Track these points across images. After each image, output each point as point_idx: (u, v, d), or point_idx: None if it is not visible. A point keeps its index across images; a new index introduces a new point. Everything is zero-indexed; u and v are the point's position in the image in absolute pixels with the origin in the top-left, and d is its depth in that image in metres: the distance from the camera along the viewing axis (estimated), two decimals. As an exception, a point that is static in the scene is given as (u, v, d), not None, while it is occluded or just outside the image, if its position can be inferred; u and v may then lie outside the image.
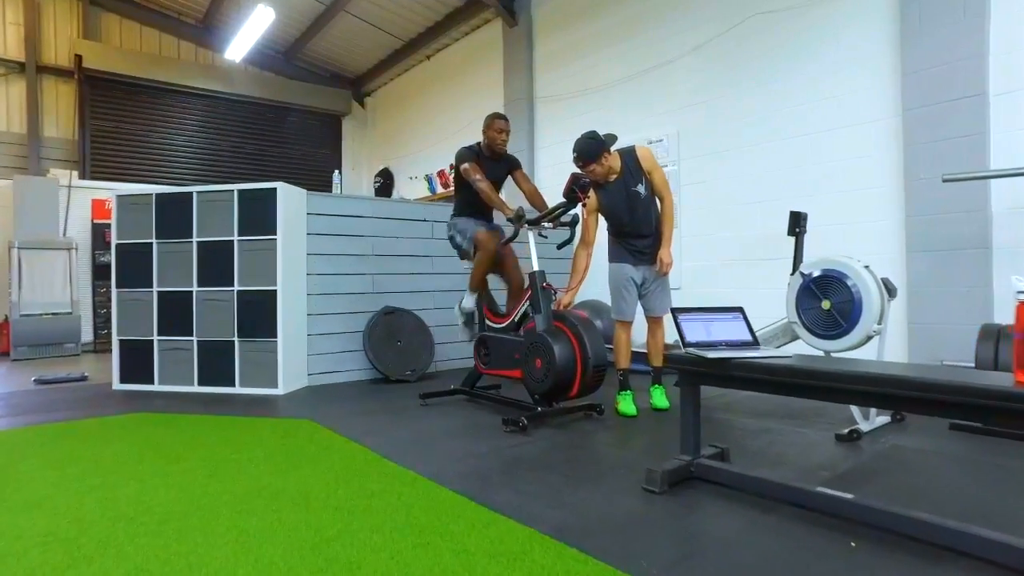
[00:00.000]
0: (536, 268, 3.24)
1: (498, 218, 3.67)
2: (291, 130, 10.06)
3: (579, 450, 2.61)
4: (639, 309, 3.43)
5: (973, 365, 3.16)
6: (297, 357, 4.29)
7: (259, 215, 4.13)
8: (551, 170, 6.51)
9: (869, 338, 2.70)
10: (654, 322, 3.41)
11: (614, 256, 3.44)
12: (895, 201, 3.85)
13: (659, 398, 3.40)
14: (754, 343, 2.20)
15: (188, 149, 9.20)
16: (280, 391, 4.07)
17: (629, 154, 3.33)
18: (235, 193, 4.17)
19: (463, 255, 3.72)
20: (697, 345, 2.14)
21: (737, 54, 4.74)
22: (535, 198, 3.60)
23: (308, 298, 4.41)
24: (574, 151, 3.24)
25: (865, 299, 2.68)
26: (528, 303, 3.29)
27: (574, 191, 3.03)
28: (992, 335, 2.97)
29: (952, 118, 3.58)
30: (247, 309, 4.14)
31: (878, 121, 3.93)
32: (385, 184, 9.71)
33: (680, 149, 5.23)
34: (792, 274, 3.13)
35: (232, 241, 4.16)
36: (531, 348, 3.13)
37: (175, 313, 4.23)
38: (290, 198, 4.22)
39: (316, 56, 9.51)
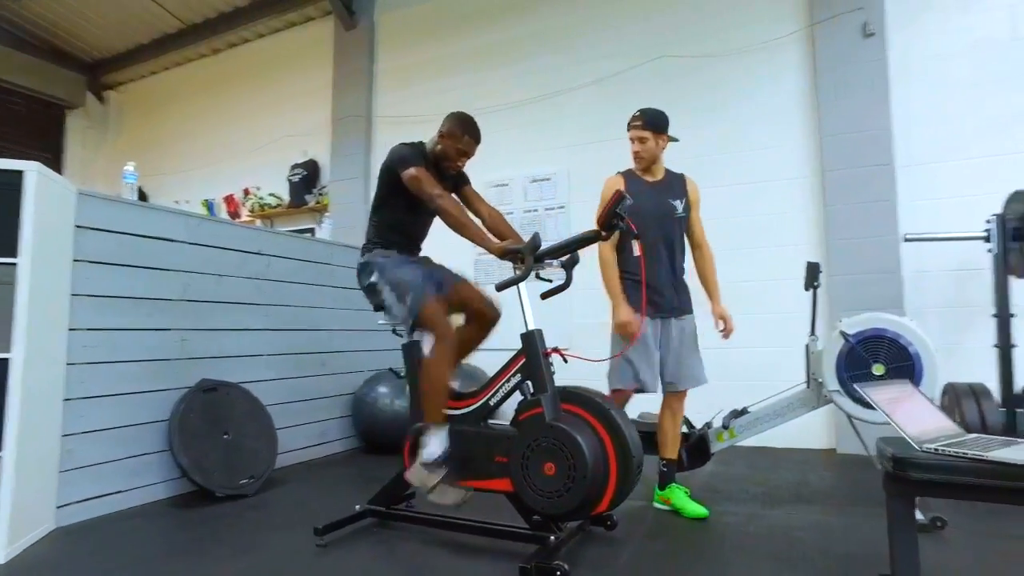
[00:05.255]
0: (533, 326, 2.22)
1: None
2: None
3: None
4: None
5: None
6: (38, 480, 2.37)
7: (-21, 219, 2.23)
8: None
9: (930, 408, 2.36)
10: (675, 399, 2.63)
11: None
12: (817, 260, 3.82)
13: (691, 504, 2.51)
14: (954, 424, 1.62)
15: None
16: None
17: (678, 175, 2.73)
18: (-79, 175, 2.20)
19: (382, 308, 2.42)
20: (924, 440, 1.46)
21: (642, 95, 4.42)
22: (500, 224, 2.55)
23: (68, 370, 2.54)
24: (641, 111, 2.58)
25: (926, 361, 2.35)
26: (517, 375, 2.22)
27: (616, 215, 2.12)
28: (968, 395, 2.94)
29: (867, 183, 3.71)
30: (-67, 396, 2.13)
31: (797, 179, 3.93)
32: (133, 206, 7.21)
33: (570, 190, 4.71)
34: (811, 335, 2.72)
35: (-97, 265, 2.16)
36: (537, 448, 2.06)
37: None
38: (48, 196, 2.41)
39: (32, 17, 6.71)
